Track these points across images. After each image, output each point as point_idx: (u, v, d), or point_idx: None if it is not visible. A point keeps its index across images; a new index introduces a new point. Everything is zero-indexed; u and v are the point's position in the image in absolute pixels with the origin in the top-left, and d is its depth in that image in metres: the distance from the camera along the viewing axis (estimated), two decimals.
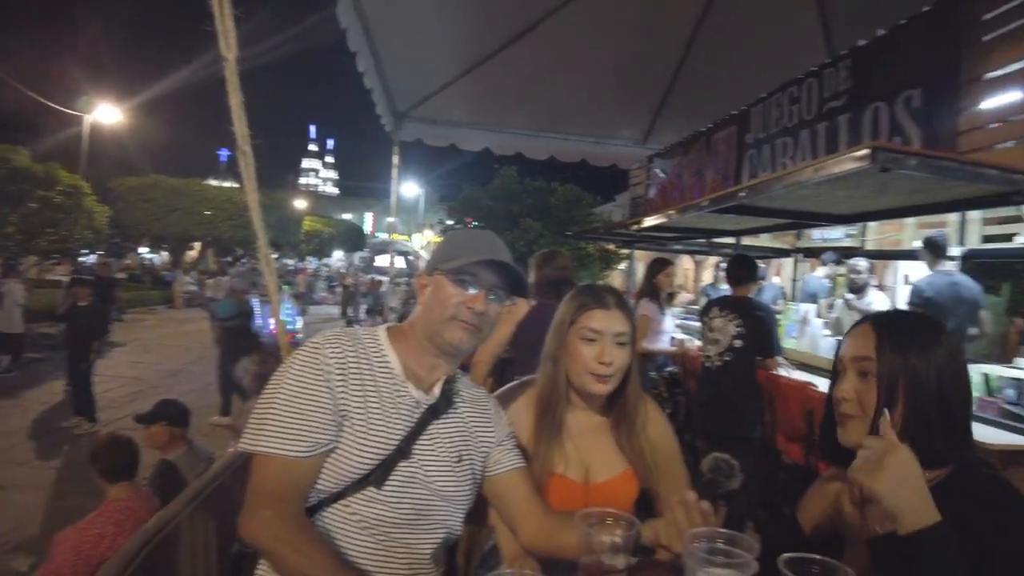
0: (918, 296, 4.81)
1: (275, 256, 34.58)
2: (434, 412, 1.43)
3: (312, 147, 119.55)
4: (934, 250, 4.88)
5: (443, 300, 1.41)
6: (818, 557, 1.02)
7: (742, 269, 4.22)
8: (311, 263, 42.80)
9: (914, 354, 1.16)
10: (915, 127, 3.25)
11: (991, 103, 2.88)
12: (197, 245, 33.77)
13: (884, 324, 1.23)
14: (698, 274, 17.64)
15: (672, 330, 5.27)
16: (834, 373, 1.30)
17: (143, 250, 36.49)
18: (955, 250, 5.11)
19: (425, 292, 1.46)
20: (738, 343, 3.94)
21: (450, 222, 18.60)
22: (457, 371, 1.54)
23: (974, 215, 4.98)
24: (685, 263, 18.03)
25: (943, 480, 1.14)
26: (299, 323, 13.22)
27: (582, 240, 14.00)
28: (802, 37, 5.30)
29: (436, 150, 7.32)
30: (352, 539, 1.32)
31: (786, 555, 1.02)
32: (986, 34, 2.86)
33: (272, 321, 7.52)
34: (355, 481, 1.32)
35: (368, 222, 67.53)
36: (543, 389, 1.67)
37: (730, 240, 6.13)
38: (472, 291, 1.41)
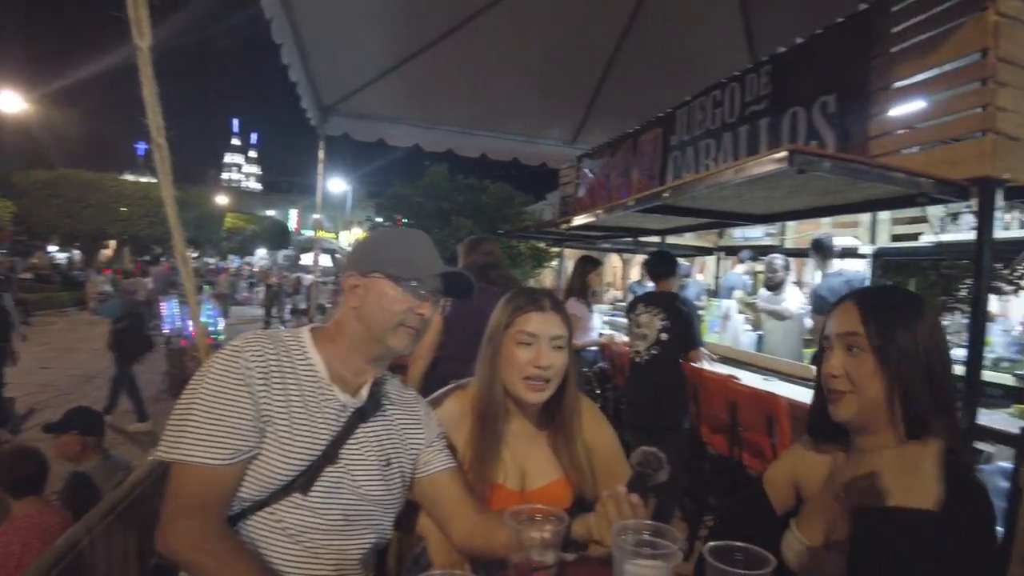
0: (817, 299, 5.07)
1: (195, 255, 33.39)
2: (361, 415, 1.40)
3: (235, 141, 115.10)
4: (821, 251, 5.18)
5: (388, 306, 1.38)
6: (741, 545, 1.05)
7: (663, 265, 4.34)
8: (233, 262, 41.52)
9: (899, 326, 1.20)
10: (830, 131, 3.42)
11: (898, 111, 3.07)
12: (112, 243, 32.22)
13: (867, 299, 1.27)
14: (626, 272, 17.99)
15: (599, 327, 5.38)
16: (820, 352, 1.33)
17: (52, 248, 34.55)
18: (866, 248, 5.40)
19: (357, 293, 1.40)
20: (664, 336, 4.06)
21: (379, 219, 18.38)
22: (385, 373, 1.50)
23: (884, 215, 5.27)
24: (614, 261, 18.35)
25: (945, 469, 1.15)
26: (221, 324, 12.80)
27: (514, 238, 14.08)
28: (726, 43, 5.49)
29: (364, 145, 7.22)
30: (278, 547, 1.29)
31: (711, 544, 1.05)
32: (894, 46, 3.04)
33: (191, 323, 7.30)
34: (280, 488, 1.28)
35: (293, 219, 65.94)
36: (480, 397, 1.63)
37: (656, 239, 6.29)
38: (420, 298, 1.40)
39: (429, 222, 15.78)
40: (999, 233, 3.45)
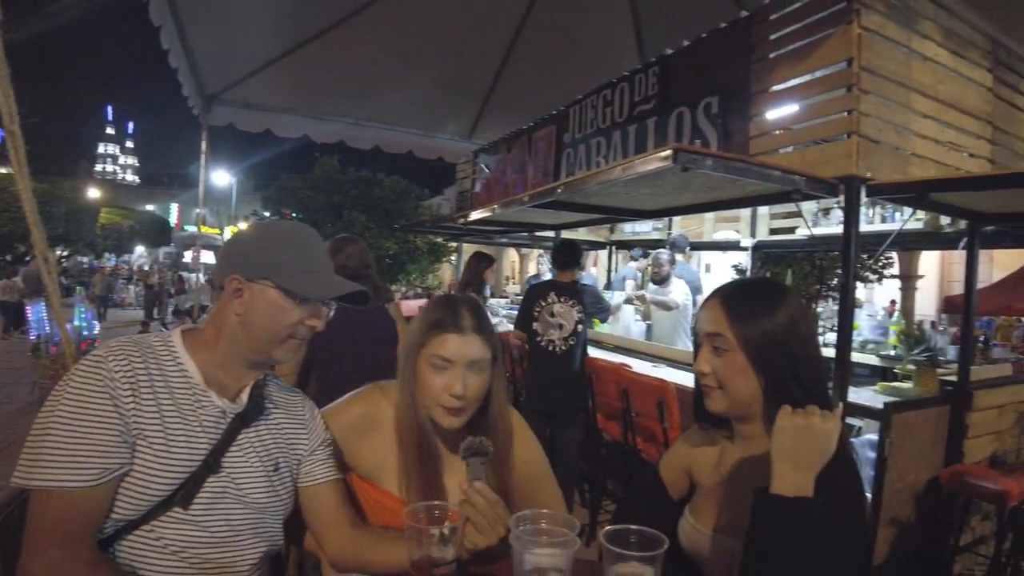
0: (692, 286, 5.54)
1: (65, 253, 30.92)
2: (243, 420, 1.31)
3: (109, 130, 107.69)
4: (675, 248, 5.62)
5: (278, 318, 1.29)
6: (636, 528, 1.10)
7: (569, 255, 4.41)
8: (110, 260, 38.83)
9: (763, 322, 1.21)
10: (713, 131, 3.59)
11: (775, 113, 3.27)
12: None
13: (732, 297, 1.27)
14: (524, 266, 18.21)
15: (496, 321, 5.43)
16: (695, 345, 1.33)
17: None
18: (747, 241, 5.71)
19: (241, 298, 1.28)
20: (580, 327, 4.15)
21: (266, 213, 17.65)
22: (268, 373, 1.41)
23: (763, 210, 5.58)
24: (512, 255, 18.53)
25: None
26: (97, 328, 11.90)
27: (410, 233, 13.93)
28: (617, 43, 5.64)
29: (250, 136, 6.95)
30: (159, 566, 1.19)
31: (607, 528, 1.09)
32: (772, 52, 3.23)
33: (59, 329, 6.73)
34: (158, 503, 1.18)
35: (174, 214, 62.27)
36: (400, 415, 1.51)
37: (550, 234, 6.40)
38: (312, 310, 1.32)
39: (320, 216, 15.31)
40: (864, 227, 3.74)
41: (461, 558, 1.23)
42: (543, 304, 4.24)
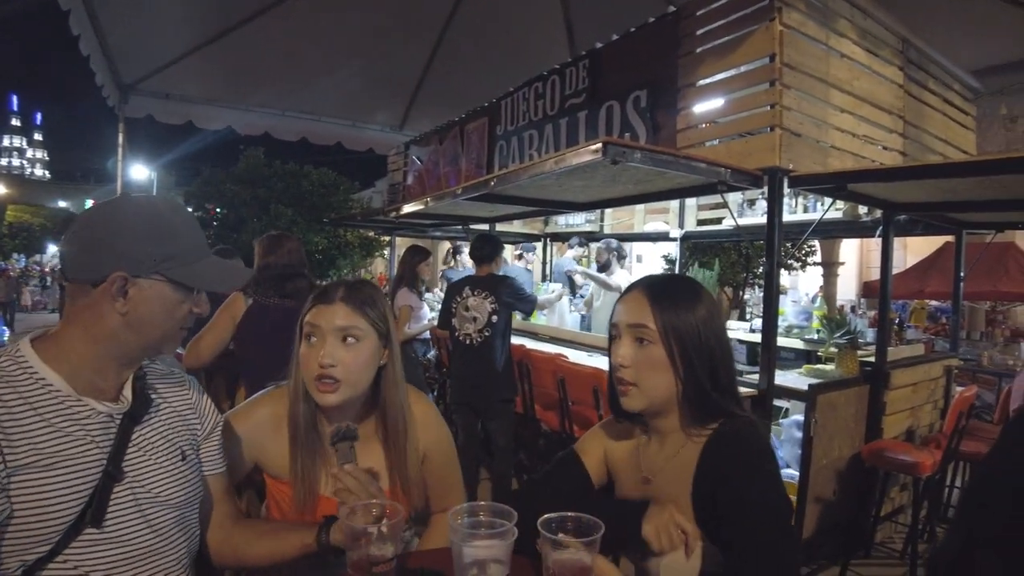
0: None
1: None
2: (133, 419, 1.19)
3: (15, 121, 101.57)
4: (611, 251, 5.98)
5: (172, 312, 1.18)
6: (572, 515, 1.11)
7: (485, 248, 4.41)
8: (19, 261, 36.73)
9: (684, 314, 1.22)
10: (642, 125, 3.64)
11: (702, 107, 3.34)
12: None
13: (656, 289, 1.27)
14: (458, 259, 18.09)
15: (429, 315, 5.38)
16: (611, 338, 1.31)
17: None
18: (676, 232, 5.83)
19: (127, 296, 1.13)
20: (495, 318, 4.15)
21: (190, 209, 17.04)
22: (144, 360, 1.26)
23: (691, 202, 5.70)
24: (447, 249, 18.41)
25: (711, 434, 1.22)
26: (6, 335, 11.26)
27: (340, 227, 13.67)
28: (548, 35, 5.64)
29: (171, 128, 6.63)
30: None
31: (544, 516, 1.10)
32: (699, 47, 3.30)
33: None
34: (66, 531, 1.07)
35: None
36: (291, 402, 1.48)
37: (485, 227, 6.39)
38: (198, 297, 1.22)
39: (245, 211, 14.84)
40: (787, 216, 3.87)
41: (402, 554, 1.22)
42: (459, 299, 4.25)
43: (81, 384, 1.14)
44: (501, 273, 4.44)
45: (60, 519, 1.06)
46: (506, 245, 8.66)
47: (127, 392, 1.20)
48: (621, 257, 5.98)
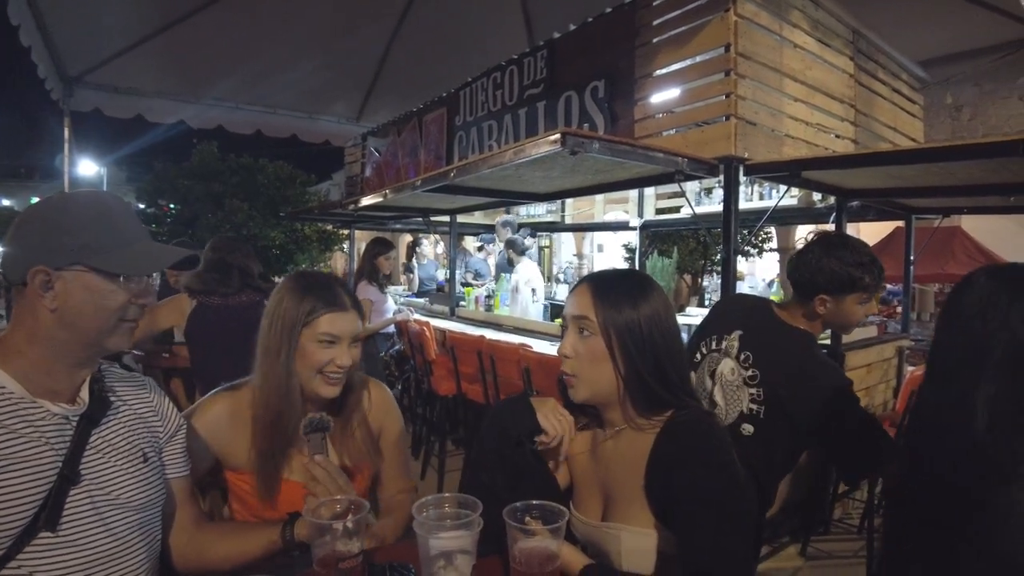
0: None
1: None
2: (91, 420, 1.18)
3: None
4: (512, 247, 6.31)
5: (102, 303, 1.14)
6: (536, 503, 1.13)
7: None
8: None
9: (628, 309, 1.24)
10: (600, 115, 3.66)
11: (659, 96, 3.37)
12: None
13: (601, 283, 1.30)
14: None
15: (393, 309, 5.33)
16: (563, 328, 1.35)
17: None
18: (635, 221, 5.89)
19: (52, 292, 1.11)
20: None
21: (141, 205, 16.52)
22: (101, 363, 1.26)
23: (649, 191, 5.77)
24: (407, 240, 18.27)
25: (662, 426, 1.24)
26: None
27: (297, 221, 13.42)
28: (506, 24, 5.63)
29: (120, 122, 6.47)
30: None
31: (509, 506, 1.11)
32: (655, 37, 3.33)
33: None
34: (19, 537, 1.05)
35: None
36: (272, 396, 1.51)
37: (446, 218, 6.35)
38: (139, 286, 1.18)
39: (200, 206, 14.47)
40: (743, 204, 3.94)
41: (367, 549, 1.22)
42: None
43: (34, 386, 1.13)
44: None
45: (12, 523, 1.04)
46: (467, 236, 8.72)
47: (84, 394, 1.19)
48: (521, 252, 6.22)
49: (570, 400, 1.33)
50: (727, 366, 2.10)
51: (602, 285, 1.29)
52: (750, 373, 2.04)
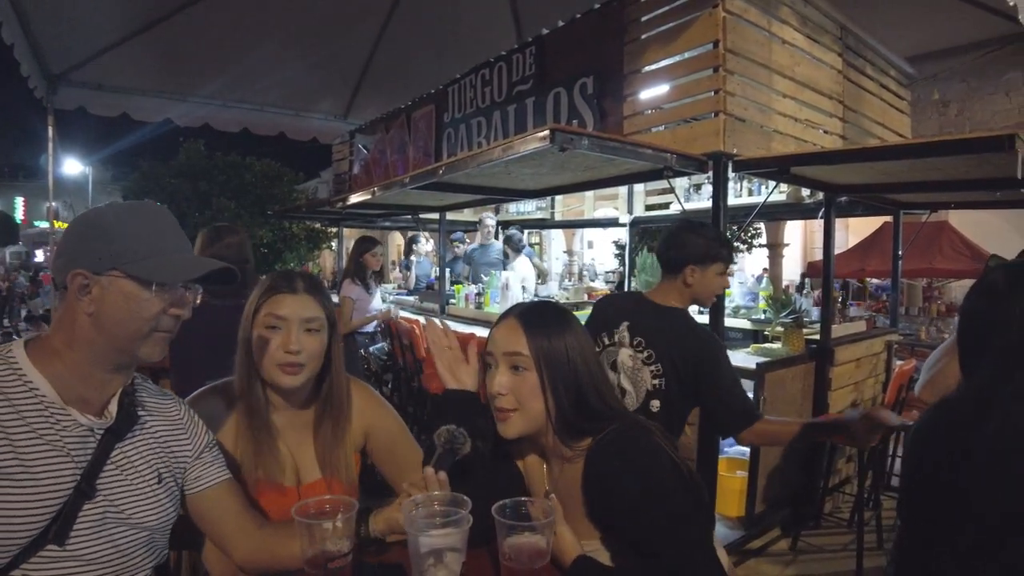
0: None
1: None
2: (116, 435, 1.17)
3: None
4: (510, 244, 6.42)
5: (137, 312, 1.13)
6: (524, 499, 1.15)
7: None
8: None
9: (555, 340, 1.25)
10: (589, 111, 3.65)
11: (648, 93, 3.37)
12: None
13: (529, 317, 1.29)
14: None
15: (377, 308, 5.29)
16: (486, 366, 1.33)
17: None
18: (625, 217, 5.88)
19: (90, 295, 1.12)
20: None
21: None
22: (134, 377, 1.26)
23: (639, 187, 5.75)
24: (398, 239, 18.22)
25: (587, 449, 1.24)
26: None
27: (285, 219, 13.37)
28: (495, 21, 5.61)
29: (105, 120, 6.42)
30: None
31: (497, 503, 1.12)
32: (644, 33, 3.32)
33: None
34: (26, 547, 1.03)
35: (20, 208, 56.90)
36: (241, 389, 1.50)
37: (435, 216, 6.33)
38: (174, 297, 1.18)
39: (187, 205, 14.36)
40: (732, 200, 3.94)
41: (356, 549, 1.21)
42: None
43: (67, 392, 1.13)
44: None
45: (23, 534, 1.03)
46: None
47: (112, 407, 1.18)
48: (518, 249, 6.29)
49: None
50: (625, 355, 2.34)
51: (531, 318, 1.29)
52: (646, 354, 2.29)
